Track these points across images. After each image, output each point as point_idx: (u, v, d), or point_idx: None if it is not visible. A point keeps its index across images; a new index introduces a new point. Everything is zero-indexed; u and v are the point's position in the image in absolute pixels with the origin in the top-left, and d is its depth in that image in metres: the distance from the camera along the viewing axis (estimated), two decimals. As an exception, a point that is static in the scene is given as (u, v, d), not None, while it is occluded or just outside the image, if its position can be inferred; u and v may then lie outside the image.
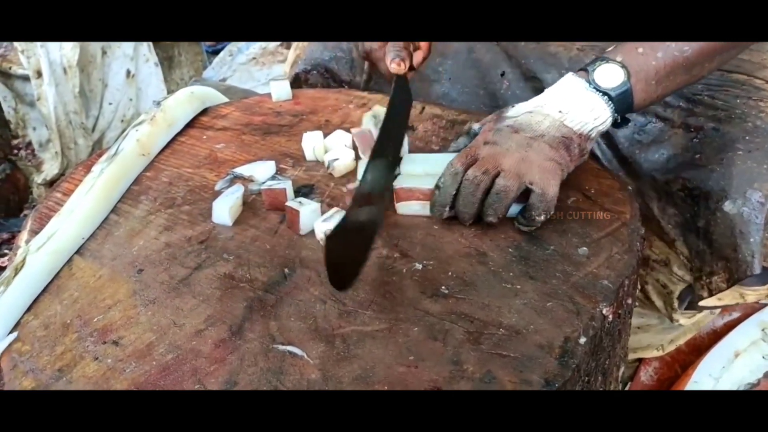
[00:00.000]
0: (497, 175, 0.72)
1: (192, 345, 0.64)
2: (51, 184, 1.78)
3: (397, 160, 0.80)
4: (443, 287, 0.68)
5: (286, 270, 0.71)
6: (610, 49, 0.78)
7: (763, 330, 1.15)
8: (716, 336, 1.19)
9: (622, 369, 0.80)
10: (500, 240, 0.73)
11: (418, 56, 0.87)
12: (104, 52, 1.78)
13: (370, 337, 0.63)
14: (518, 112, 0.78)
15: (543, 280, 0.68)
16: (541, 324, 0.63)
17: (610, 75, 0.75)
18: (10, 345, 0.66)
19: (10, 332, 0.68)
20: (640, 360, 1.20)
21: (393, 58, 0.83)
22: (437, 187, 0.74)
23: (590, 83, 0.75)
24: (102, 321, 0.67)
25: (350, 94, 1.04)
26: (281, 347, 0.63)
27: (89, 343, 0.65)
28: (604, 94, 0.75)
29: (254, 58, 2.20)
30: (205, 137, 0.96)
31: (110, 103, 1.83)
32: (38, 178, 1.83)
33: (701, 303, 0.89)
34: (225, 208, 0.78)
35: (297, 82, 1.15)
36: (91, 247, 0.78)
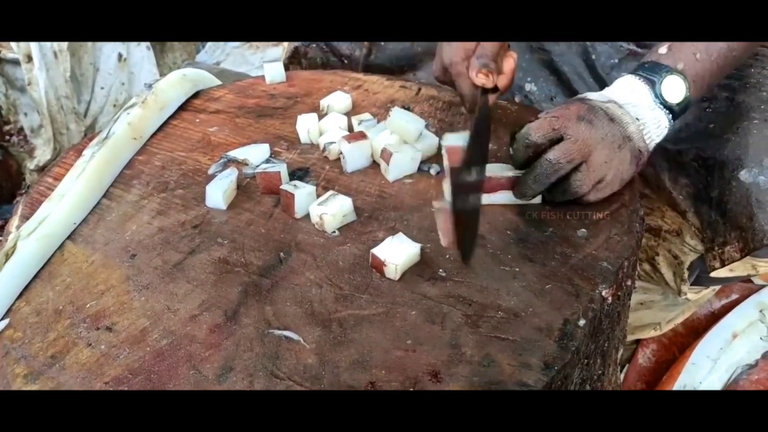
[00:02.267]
0: (580, 163, 0.71)
1: (186, 330, 0.63)
2: (43, 169, 1.76)
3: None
4: (441, 270, 0.67)
5: (282, 254, 0.70)
6: (664, 51, 0.76)
7: (761, 311, 1.15)
8: (714, 318, 1.19)
9: (620, 351, 0.79)
10: (498, 222, 0.72)
11: (502, 80, 0.77)
12: (95, 36, 1.76)
13: (367, 321, 0.62)
14: (602, 98, 0.75)
15: (542, 263, 0.67)
16: (540, 306, 0.62)
17: (676, 89, 0.74)
18: (1, 332, 0.66)
19: (2, 319, 0.67)
20: (637, 342, 1.20)
21: (480, 68, 0.73)
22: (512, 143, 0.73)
23: (657, 97, 0.74)
24: (95, 307, 0.66)
25: (345, 76, 1.03)
26: (277, 332, 0.62)
27: (82, 329, 0.64)
28: (669, 109, 0.74)
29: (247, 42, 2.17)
30: (198, 120, 0.95)
31: (102, 88, 1.81)
32: (30, 164, 1.81)
33: (713, 274, 0.87)
34: (219, 192, 0.77)
35: (296, 56, 1.13)
36: (83, 233, 0.76)
